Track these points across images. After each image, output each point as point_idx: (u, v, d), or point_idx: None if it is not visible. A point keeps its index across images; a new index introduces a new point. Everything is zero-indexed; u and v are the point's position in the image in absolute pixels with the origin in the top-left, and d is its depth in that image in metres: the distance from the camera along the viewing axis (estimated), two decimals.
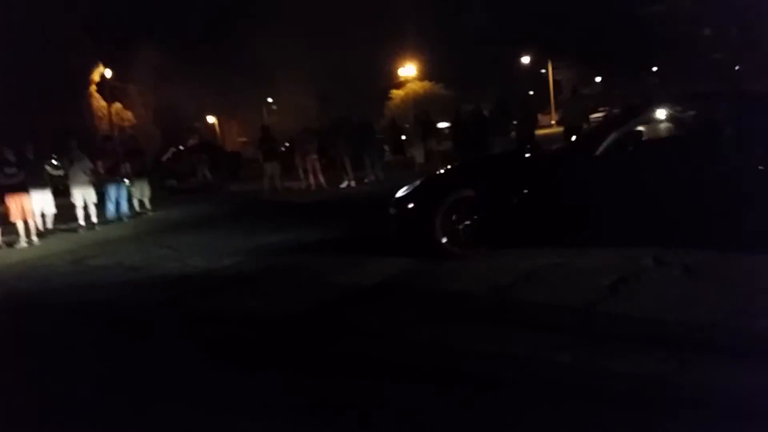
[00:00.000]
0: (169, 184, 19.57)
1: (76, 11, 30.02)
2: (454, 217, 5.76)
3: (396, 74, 39.20)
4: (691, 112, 6.62)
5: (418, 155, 17.30)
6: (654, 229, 5.40)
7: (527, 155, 7.58)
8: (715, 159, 5.26)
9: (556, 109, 37.52)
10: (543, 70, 43.72)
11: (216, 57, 33.25)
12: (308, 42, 32.51)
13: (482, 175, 6.23)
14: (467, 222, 5.77)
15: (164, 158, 22.25)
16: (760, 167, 5.07)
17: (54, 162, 13.82)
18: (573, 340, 3.50)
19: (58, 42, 28.52)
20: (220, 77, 33.38)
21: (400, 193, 6.26)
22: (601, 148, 5.55)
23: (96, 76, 31.78)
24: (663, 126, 7.63)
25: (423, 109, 21.18)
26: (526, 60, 43.37)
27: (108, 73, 32.00)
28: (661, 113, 6.95)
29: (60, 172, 12.41)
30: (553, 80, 42.83)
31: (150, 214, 13.26)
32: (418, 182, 6.36)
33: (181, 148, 24.05)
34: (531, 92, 38.40)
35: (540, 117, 23.67)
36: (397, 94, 39.70)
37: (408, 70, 38.47)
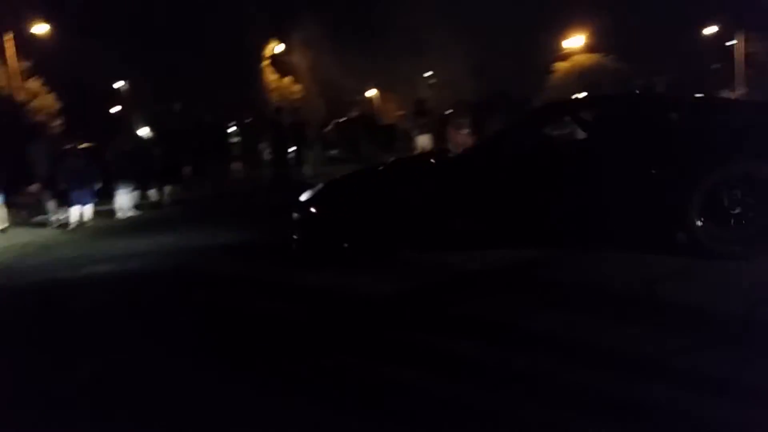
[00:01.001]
0: (330, 154, 20.91)
1: None
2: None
3: (560, 46, 37.29)
4: (595, 115, 6.44)
5: None
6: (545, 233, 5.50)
7: (434, 158, 7.05)
8: (609, 162, 5.29)
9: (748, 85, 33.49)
10: (731, 42, 39.13)
11: (376, 31, 34.03)
12: (465, 13, 32.05)
13: (380, 182, 6.12)
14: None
15: (326, 130, 23.45)
16: (652, 171, 5.14)
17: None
18: None
19: (236, 18, 30.94)
20: (380, 52, 34.17)
21: (304, 197, 6.13)
22: (503, 150, 5.67)
23: (269, 51, 34.13)
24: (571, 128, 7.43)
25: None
26: (711, 30, 39.06)
27: (280, 48, 34.20)
28: (567, 115, 6.79)
29: None
30: (745, 53, 38.12)
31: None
32: (321, 185, 6.32)
33: (341, 120, 25.21)
34: (716, 66, 34.63)
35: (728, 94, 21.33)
36: (561, 67, 37.79)
37: (574, 41, 36.40)
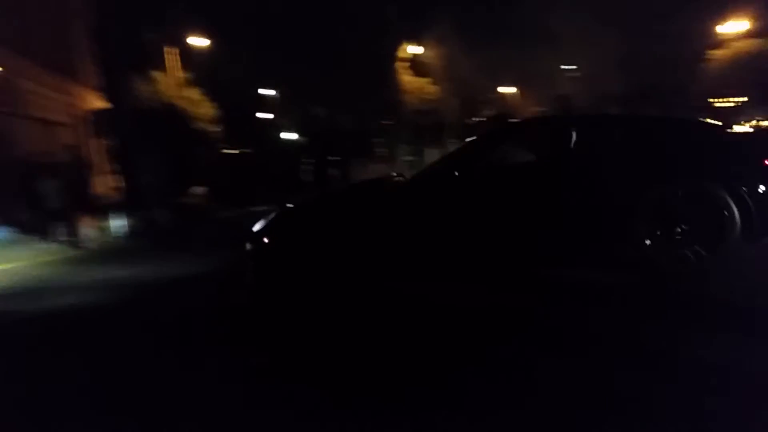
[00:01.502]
0: None
1: None
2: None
3: (714, 31, 34.18)
4: (545, 137, 6.29)
5: None
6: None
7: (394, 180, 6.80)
8: (557, 184, 5.32)
9: None
10: None
11: (511, 25, 33.32)
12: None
13: (334, 210, 5.95)
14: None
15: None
16: (600, 190, 5.21)
17: None
18: None
19: (370, 20, 31.78)
20: (516, 46, 33.40)
21: (257, 226, 5.93)
22: (453, 174, 5.53)
23: (404, 52, 34.72)
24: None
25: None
26: None
27: (415, 49, 34.69)
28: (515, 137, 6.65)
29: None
30: None
31: None
32: (273, 215, 6.08)
33: (477, 119, 25.01)
34: None
35: None
36: (718, 54, 34.64)
37: (732, 25, 33.19)
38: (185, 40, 27.92)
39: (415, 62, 35.14)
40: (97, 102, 23.80)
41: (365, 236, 5.58)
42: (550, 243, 5.43)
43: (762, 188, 5.13)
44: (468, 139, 7.36)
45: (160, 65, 26.94)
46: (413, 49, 34.96)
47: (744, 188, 5.09)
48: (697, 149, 5.44)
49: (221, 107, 30.55)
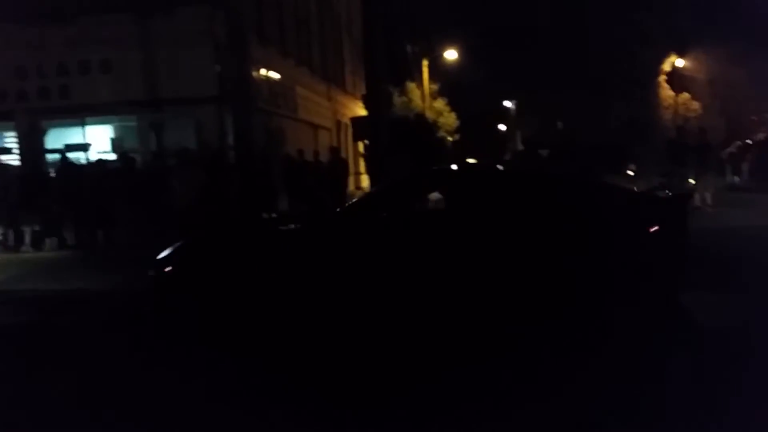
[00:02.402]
0: (729, 181, 18.61)
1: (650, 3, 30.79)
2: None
3: None
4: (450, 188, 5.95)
5: None
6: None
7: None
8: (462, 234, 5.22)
9: None
10: None
11: None
12: None
13: (244, 246, 5.61)
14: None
15: (726, 152, 20.86)
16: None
17: None
18: None
19: (629, 34, 29.94)
20: None
21: (161, 255, 5.65)
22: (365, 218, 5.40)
23: (667, 66, 32.11)
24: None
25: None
26: None
27: (679, 63, 31.86)
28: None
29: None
30: None
31: (709, 210, 12.74)
32: (179, 243, 5.80)
33: (748, 142, 22.03)
34: None
35: None
36: None
37: None
38: (436, 53, 29.26)
39: (677, 76, 32.32)
40: (358, 109, 26.12)
41: (260, 276, 5.28)
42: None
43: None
44: (392, 182, 6.93)
45: (415, 76, 28.61)
46: (675, 62, 32.21)
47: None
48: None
49: (462, 117, 31.46)
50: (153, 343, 5.28)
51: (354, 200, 5.91)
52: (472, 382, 4.05)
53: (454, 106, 31.51)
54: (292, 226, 6.14)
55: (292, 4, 19.64)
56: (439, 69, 31.05)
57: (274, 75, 16.99)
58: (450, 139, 30.29)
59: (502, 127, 42.87)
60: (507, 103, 40.57)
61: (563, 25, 33.06)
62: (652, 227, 5.25)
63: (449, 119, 30.57)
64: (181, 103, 14.34)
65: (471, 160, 14.54)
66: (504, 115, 42.19)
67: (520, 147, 35.23)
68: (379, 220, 5.52)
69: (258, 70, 15.62)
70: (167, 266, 5.56)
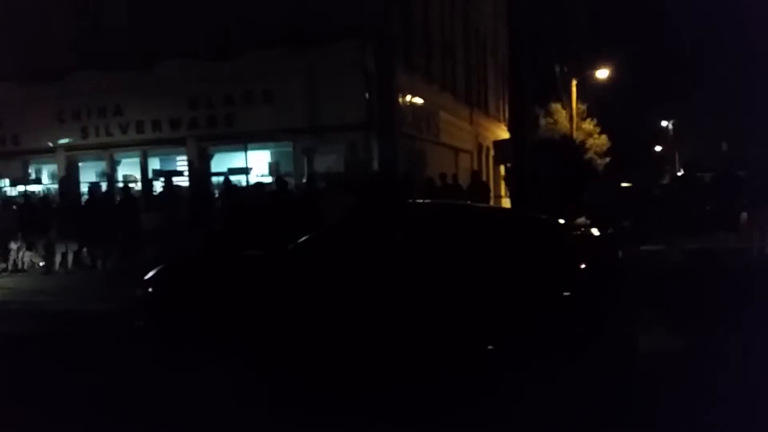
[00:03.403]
0: None
1: None
2: None
3: None
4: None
5: None
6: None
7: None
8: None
9: None
10: None
11: None
12: None
13: (225, 273, 5.88)
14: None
15: None
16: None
17: None
18: None
19: None
20: None
21: (148, 275, 5.95)
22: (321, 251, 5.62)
23: None
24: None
25: None
26: None
27: None
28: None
29: None
30: None
31: None
32: (161, 266, 6.12)
33: None
34: None
35: None
36: None
37: None
38: (585, 72, 28.22)
39: None
40: (500, 132, 25.89)
41: (235, 303, 5.51)
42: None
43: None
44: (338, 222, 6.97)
45: (562, 97, 27.81)
46: None
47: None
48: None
49: (613, 138, 29.94)
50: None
51: (304, 237, 5.89)
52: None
53: (604, 126, 30.11)
54: (257, 256, 6.33)
55: (438, 31, 20.01)
56: (588, 88, 29.88)
57: (419, 101, 17.35)
58: (600, 161, 28.94)
59: (658, 147, 40.17)
60: (664, 123, 37.97)
61: (725, 42, 30.50)
62: (579, 264, 5.36)
63: (599, 140, 29.24)
64: (332, 130, 15.15)
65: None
66: (661, 135, 39.52)
67: (680, 170, 32.81)
68: (321, 257, 5.68)
69: (404, 97, 16.06)
70: (149, 287, 5.87)
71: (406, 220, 6.14)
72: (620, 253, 5.75)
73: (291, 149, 16.14)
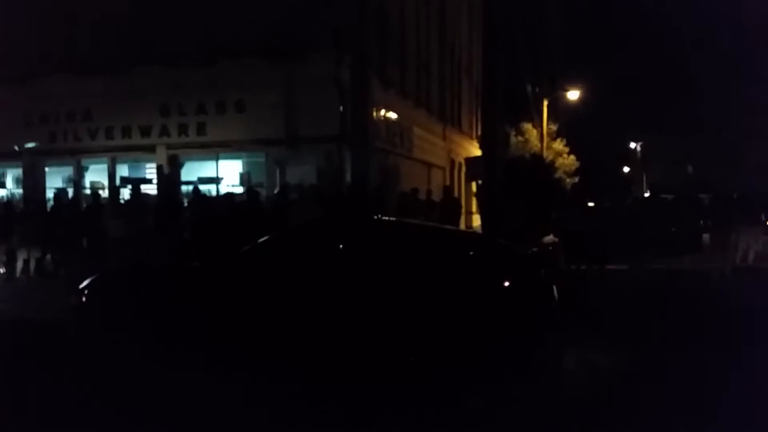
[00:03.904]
0: None
1: None
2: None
3: None
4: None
5: None
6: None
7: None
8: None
9: None
10: None
11: None
12: None
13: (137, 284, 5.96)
14: None
15: None
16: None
17: None
18: None
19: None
20: None
21: (83, 284, 6.02)
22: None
23: None
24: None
25: None
26: None
27: None
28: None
29: None
30: None
31: None
32: (95, 276, 6.14)
33: None
34: None
35: None
36: None
37: None
38: (557, 93, 28.75)
39: None
40: (472, 149, 26.14)
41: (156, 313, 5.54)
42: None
43: None
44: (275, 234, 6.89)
45: (534, 116, 28.25)
46: None
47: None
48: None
49: (582, 159, 30.48)
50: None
51: (242, 249, 6.01)
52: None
53: (574, 147, 30.65)
54: (192, 267, 6.47)
55: (414, 47, 20.19)
56: (560, 109, 30.43)
57: (393, 115, 17.45)
58: (569, 180, 29.40)
59: (626, 169, 41.01)
60: (632, 145, 38.80)
61: (695, 65, 31.39)
62: (503, 282, 5.55)
63: (568, 160, 29.74)
64: (305, 142, 15.10)
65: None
66: (629, 156, 40.37)
67: (646, 191, 33.53)
68: (253, 269, 5.77)
69: (378, 111, 16.12)
70: (83, 296, 5.96)
71: (334, 236, 6.26)
72: (542, 272, 5.91)
73: (263, 160, 16.05)
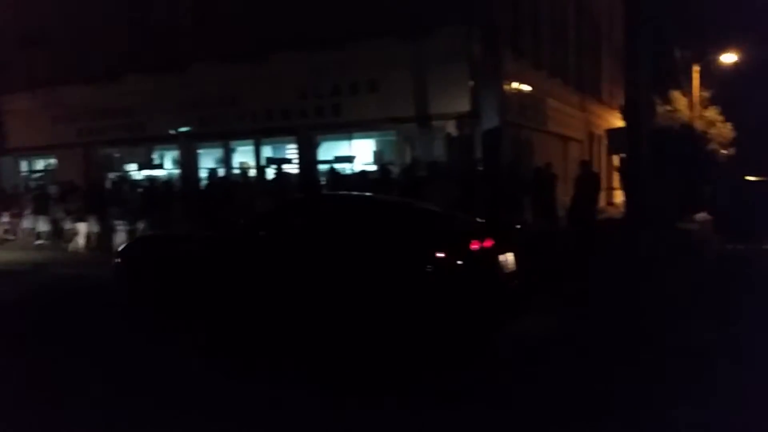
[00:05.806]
0: None
1: None
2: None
3: None
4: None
5: None
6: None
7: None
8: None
9: None
10: None
11: None
12: None
13: (155, 252, 7.02)
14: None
15: None
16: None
17: None
18: None
19: None
20: None
21: (120, 248, 7.63)
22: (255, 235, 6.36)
23: None
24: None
25: None
26: None
27: None
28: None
29: None
30: None
31: None
32: (129, 241, 8.12)
33: None
34: None
35: None
36: None
37: None
38: (710, 57, 26.18)
39: None
40: (614, 120, 24.65)
41: (174, 278, 6.47)
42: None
43: None
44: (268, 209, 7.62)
45: (682, 84, 26.03)
46: None
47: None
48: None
49: (739, 128, 27.65)
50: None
51: (241, 221, 6.75)
52: None
53: (730, 115, 27.84)
54: (206, 236, 7.20)
55: (548, 14, 19.32)
56: (713, 74, 27.68)
57: (526, 88, 16.87)
58: (724, 152, 26.84)
59: None
60: None
61: None
62: (437, 252, 5.39)
63: (723, 130, 27.11)
64: (437, 119, 15.06)
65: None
66: None
67: None
68: (256, 238, 6.36)
69: (510, 84, 15.67)
70: (118, 258, 7.20)
71: (291, 214, 6.78)
72: (479, 248, 5.60)
73: (395, 138, 16.26)
